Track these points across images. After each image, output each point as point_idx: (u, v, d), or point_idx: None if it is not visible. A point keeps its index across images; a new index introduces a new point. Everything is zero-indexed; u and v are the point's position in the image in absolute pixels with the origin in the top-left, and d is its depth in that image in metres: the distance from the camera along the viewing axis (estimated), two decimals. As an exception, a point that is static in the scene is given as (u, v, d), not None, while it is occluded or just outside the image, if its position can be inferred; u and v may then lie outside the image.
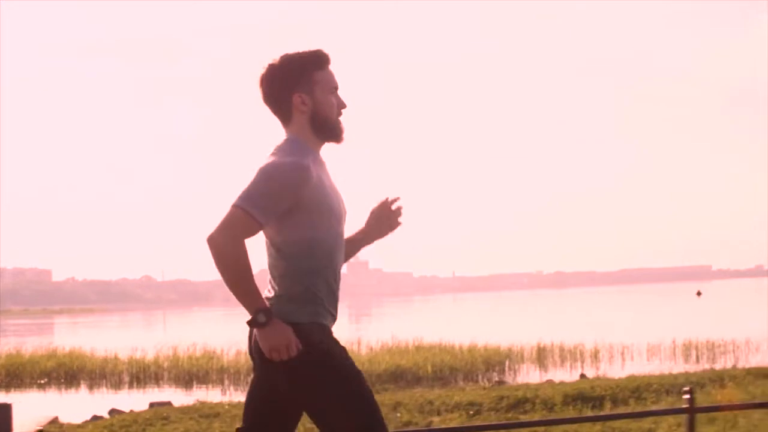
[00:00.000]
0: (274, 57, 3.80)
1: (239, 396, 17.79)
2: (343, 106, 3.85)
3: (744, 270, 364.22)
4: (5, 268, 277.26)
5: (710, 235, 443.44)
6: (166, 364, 23.91)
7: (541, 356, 24.92)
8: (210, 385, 21.83)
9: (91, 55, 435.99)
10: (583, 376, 18.74)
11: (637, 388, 12.59)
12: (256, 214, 3.57)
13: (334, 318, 3.76)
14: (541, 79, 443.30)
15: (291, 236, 3.66)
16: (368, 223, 4.08)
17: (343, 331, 33.72)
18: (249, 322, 3.62)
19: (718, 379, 13.40)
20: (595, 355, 24.91)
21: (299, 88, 3.77)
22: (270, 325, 3.55)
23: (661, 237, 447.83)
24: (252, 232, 3.59)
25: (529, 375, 21.83)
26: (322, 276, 3.71)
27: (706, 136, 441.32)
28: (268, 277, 3.77)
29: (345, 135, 3.83)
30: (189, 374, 22.98)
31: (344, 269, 3.95)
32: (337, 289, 3.77)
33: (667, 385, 12.91)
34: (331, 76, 3.83)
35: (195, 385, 21.91)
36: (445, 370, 20.31)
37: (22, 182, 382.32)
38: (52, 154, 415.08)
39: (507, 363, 23.78)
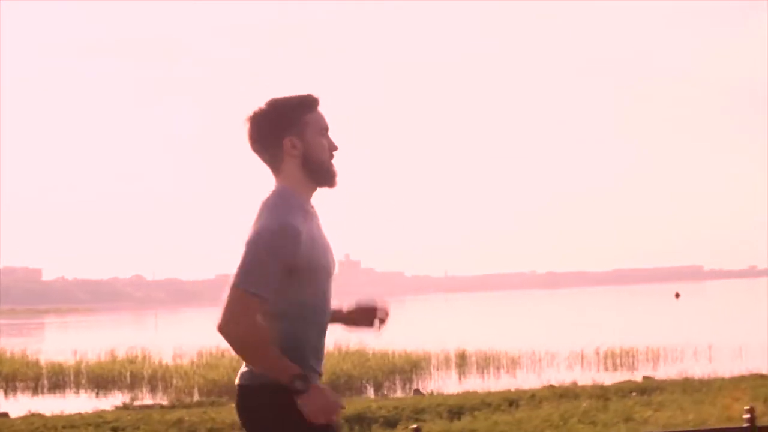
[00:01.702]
0: (259, 103, 3.68)
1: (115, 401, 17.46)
2: (335, 148, 3.71)
3: (737, 270, 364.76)
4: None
5: (704, 235, 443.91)
6: (81, 368, 23.71)
7: (461, 363, 24.81)
8: (114, 391, 21.62)
9: (89, 55, 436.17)
10: (417, 391, 18.64)
11: (423, 410, 12.26)
12: (258, 291, 3.47)
13: (319, 375, 3.61)
14: (538, 79, 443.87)
15: (281, 301, 3.54)
16: (353, 312, 3.95)
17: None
18: (289, 391, 3.45)
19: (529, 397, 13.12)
20: (512, 363, 24.82)
21: (290, 132, 3.65)
22: (310, 390, 3.43)
23: (655, 237, 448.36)
24: (258, 308, 3.48)
25: (441, 383, 21.64)
26: (309, 336, 3.60)
27: (701, 137, 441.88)
28: None
29: (338, 179, 3.70)
30: (99, 379, 22.82)
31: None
32: (323, 345, 3.67)
33: (479, 403, 12.66)
34: (321, 117, 3.71)
35: (96, 391, 21.71)
36: (354, 378, 20.06)
37: (12, 181, 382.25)
38: (44, 154, 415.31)
39: (430, 369, 23.64)
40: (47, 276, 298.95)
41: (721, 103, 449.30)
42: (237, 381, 3.60)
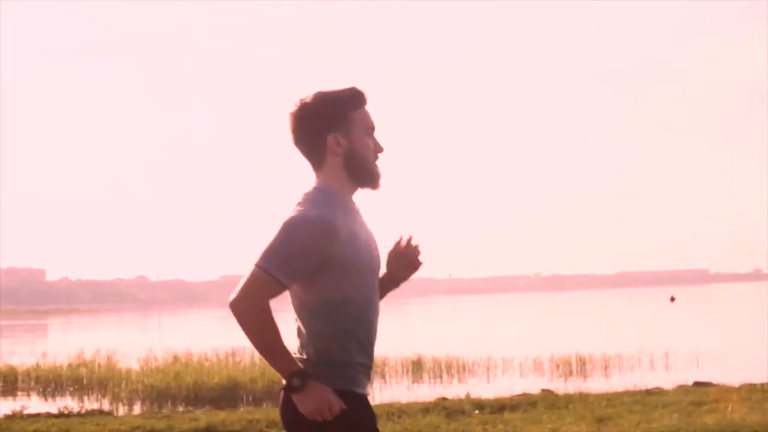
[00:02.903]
0: (305, 96, 3.51)
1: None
2: (380, 149, 3.57)
3: (743, 274, 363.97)
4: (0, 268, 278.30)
5: (709, 238, 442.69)
6: (32, 372, 23.69)
7: (415, 369, 24.67)
8: (47, 397, 21.57)
9: (91, 55, 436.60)
10: None
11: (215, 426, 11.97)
12: (278, 276, 3.35)
13: (368, 378, 3.55)
14: (539, 80, 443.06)
15: (322, 296, 3.43)
16: (389, 267, 3.76)
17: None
18: (284, 388, 3.41)
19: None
20: (464, 370, 24.71)
21: (334, 129, 3.49)
22: (307, 388, 3.34)
23: (660, 240, 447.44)
24: (274, 293, 3.38)
25: (391, 390, 21.47)
26: (355, 336, 3.48)
27: (707, 139, 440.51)
28: (297, 338, 3.52)
29: (381, 181, 3.56)
30: (45, 383, 22.79)
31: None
32: (372, 349, 3.56)
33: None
34: (367, 115, 3.55)
35: (44, 395, 21.69)
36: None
37: (16, 181, 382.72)
38: (47, 154, 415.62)
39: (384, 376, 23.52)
40: (51, 276, 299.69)
41: (723, 106, 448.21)
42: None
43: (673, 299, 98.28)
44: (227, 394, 18.97)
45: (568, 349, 25.71)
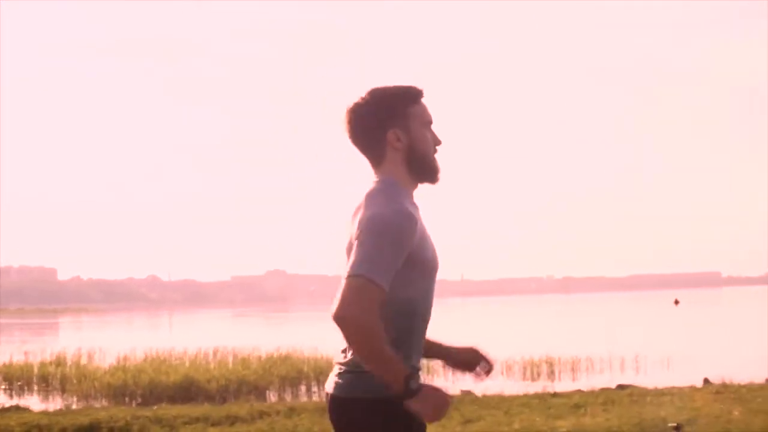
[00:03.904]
0: (362, 93, 3.46)
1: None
2: (438, 142, 3.51)
3: (755, 277, 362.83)
4: (11, 267, 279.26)
5: (722, 241, 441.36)
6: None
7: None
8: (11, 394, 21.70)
9: (94, 55, 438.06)
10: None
11: (160, 419, 12.07)
12: (378, 280, 3.17)
13: (418, 373, 3.40)
14: (551, 82, 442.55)
15: (389, 295, 3.22)
16: (459, 354, 3.70)
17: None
18: (401, 396, 3.18)
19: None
20: (428, 371, 24.70)
21: (394, 124, 3.43)
22: (423, 389, 3.18)
23: (673, 243, 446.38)
24: (378, 300, 3.17)
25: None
26: (415, 334, 3.38)
27: (719, 141, 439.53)
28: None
29: (440, 175, 3.50)
30: (11, 381, 22.93)
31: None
32: (423, 344, 3.45)
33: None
34: (425, 109, 3.50)
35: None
36: (248, 383, 19.97)
37: (29, 181, 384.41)
38: (59, 153, 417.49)
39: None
40: (62, 276, 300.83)
41: (735, 107, 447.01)
42: (331, 390, 3.36)
43: (677, 302, 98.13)
44: (181, 392, 19.05)
45: (538, 351, 25.71)
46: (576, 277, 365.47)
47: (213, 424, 11.69)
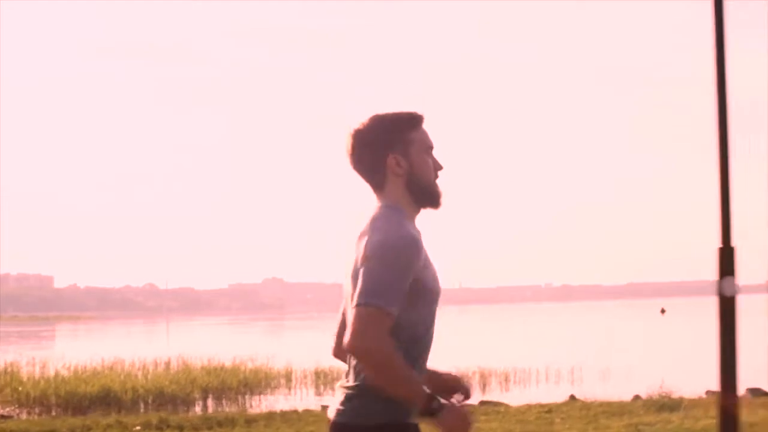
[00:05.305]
0: (362, 120, 3.48)
1: None
2: (440, 167, 3.53)
3: (754, 285, 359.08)
4: (9, 274, 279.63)
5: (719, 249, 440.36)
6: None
7: (318, 380, 24.72)
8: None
9: (101, 59, 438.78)
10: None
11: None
12: (388, 308, 3.21)
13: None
14: (547, 90, 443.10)
15: (400, 316, 3.28)
16: (440, 378, 3.65)
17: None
18: (425, 414, 3.24)
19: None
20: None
21: (394, 149, 3.45)
22: (446, 408, 3.23)
23: (671, 251, 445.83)
24: (389, 326, 3.22)
25: (266, 402, 21.30)
26: (420, 358, 3.39)
27: (713, 148, 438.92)
28: (352, 362, 3.37)
29: (443, 200, 3.51)
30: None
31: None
32: (426, 368, 3.47)
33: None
34: (425, 135, 3.52)
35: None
36: (165, 394, 20.10)
37: (26, 188, 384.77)
38: (57, 160, 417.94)
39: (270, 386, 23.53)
40: (59, 283, 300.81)
41: (741, 116, 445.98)
42: (332, 416, 3.36)
43: (663, 312, 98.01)
44: (96, 401, 19.31)
45: (476, 362, 25.78)
46: (574, 285, 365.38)
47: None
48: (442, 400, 3.24)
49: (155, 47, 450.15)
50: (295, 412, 14.03)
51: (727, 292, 6.50)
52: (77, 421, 13.58)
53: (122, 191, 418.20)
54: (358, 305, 3.20)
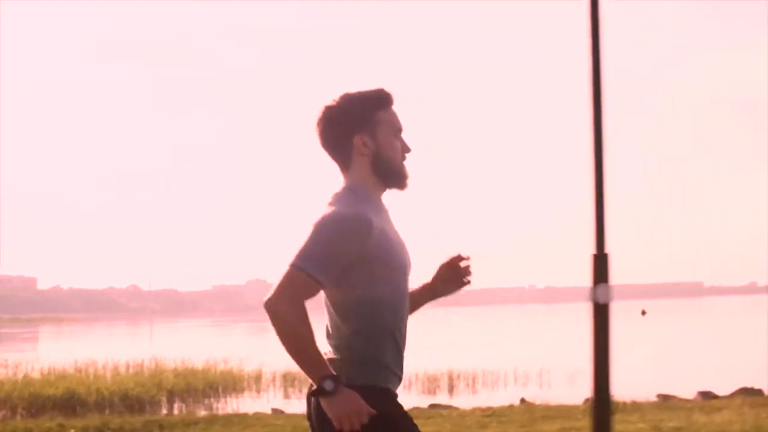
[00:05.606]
0: (333, 97, 3.52)
1: None
2: (408, 150, 3.57)
3: (738, 287, 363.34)
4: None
5: (705, 251, 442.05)
6: None
7: (287, 383, 24.87)
8: None
9: (92, 59, 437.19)
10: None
11: None
12: (315, 274, 3.29)
13: (399, 379, 3.49)
14: (532, 89, 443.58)
15: (353, 294, 3.39)
16: (435, 279, 3.76)
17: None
18: (315, 392, 3.32)
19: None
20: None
21: (360, 130, 3.48)
22: (338, 393, 3.26)
23: (655, 252, 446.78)
24: (312, 293, 3.31)
25: (238, 404, 21.51)
26: (387, 337, 3.43)
27: (701, 150, 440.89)
28: (326, 338, 3.46)
29: (409, 181, 3.56)
30: None
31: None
32: (404, 348, 3.51)
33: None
34: (394, 116, 3.55)
35: None
36: (130, 396, 20.24)
37: (9, 188, 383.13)
38: (40, 161, 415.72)
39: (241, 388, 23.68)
40: (42, 285, 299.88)
41: (723, 117, 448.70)
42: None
43: (644, 313, 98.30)
44: (60, 404, 19.47)
45: (445, 364, 25.96)
46: (557, 287, 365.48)
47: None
48: (341, 387, 3.26)
49: (155, 47, 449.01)
50: (244, 415, 14.13)
51: (601, 299, 6.82)
52: (19, 423, 13.79)
53: (105, 193, 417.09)
54: (291, 265, 3.30)
